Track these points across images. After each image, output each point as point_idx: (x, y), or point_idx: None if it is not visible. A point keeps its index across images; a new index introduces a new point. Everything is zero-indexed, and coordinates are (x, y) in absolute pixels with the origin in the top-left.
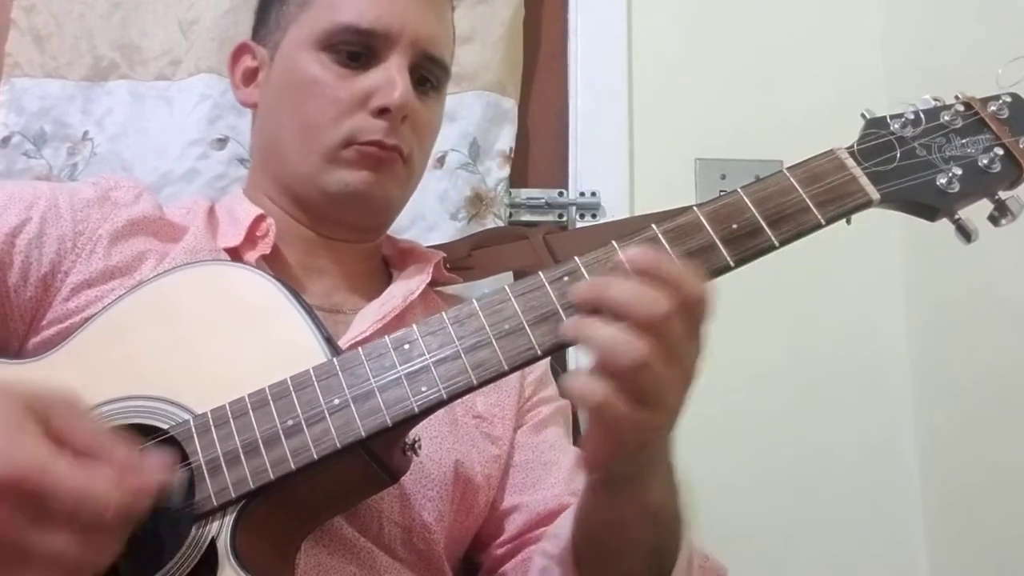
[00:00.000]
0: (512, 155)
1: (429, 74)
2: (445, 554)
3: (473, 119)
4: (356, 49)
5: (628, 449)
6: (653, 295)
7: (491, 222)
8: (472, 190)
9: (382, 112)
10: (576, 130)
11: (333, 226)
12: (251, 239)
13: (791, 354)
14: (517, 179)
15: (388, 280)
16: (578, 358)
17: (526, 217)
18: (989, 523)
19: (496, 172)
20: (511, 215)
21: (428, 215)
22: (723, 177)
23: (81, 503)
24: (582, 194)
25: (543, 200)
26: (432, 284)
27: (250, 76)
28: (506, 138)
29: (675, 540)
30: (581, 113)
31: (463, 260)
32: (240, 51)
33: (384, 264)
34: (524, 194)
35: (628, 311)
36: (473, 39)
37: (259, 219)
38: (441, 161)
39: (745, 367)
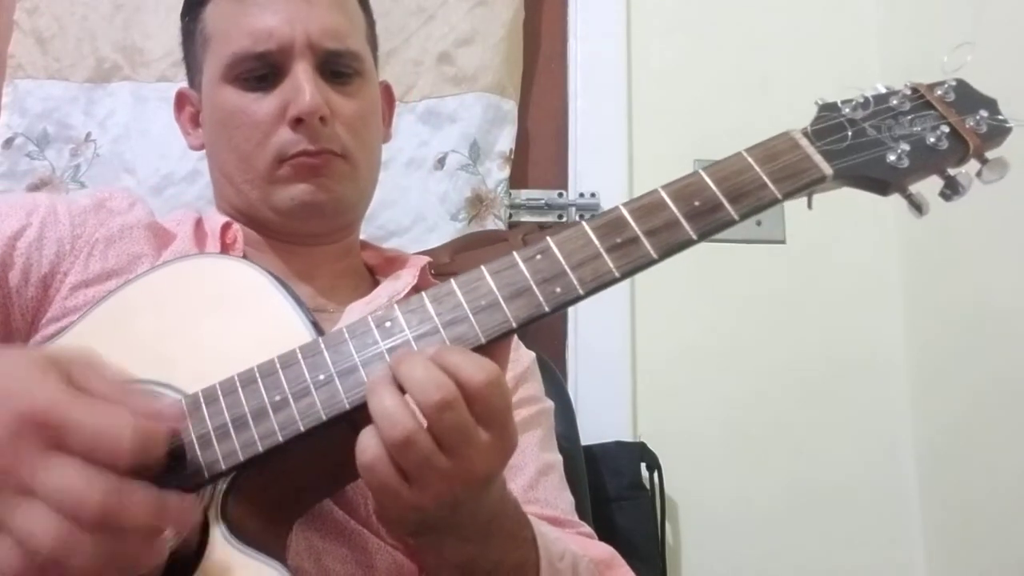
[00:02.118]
0: (512, 156)
1: (341, 67)
2: None
3: (473, 121)
4: (260, 72)
5: (390, 518)
6: (431, 380)
7: (491, 223)
8: (472, 191)
9: (298, 122)
10: (576, 131)
11: (298, 236)
12: (224, 248)
13: (789, 358)
14: (517, 180)
15: (372, 283)
16: (576, 355)
17: (526, 218)
18: (987, 526)
19: (496, 173)
20: (511, 216)
21: (429, 216)
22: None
23: (98, 439)
24: (581, 195)
25: (543, 201)
26: (417, 289)
27: (195, 120)
28: (506, 139)
29: None
30: (581, 114)
31: (446, 266)
32: (181, 100)
33: (370, 272)
34: (524, 195)
35: (411, 393)
36: (473, 41)
37: (226, 227)
38: (441, 162)
39: (744, 371)
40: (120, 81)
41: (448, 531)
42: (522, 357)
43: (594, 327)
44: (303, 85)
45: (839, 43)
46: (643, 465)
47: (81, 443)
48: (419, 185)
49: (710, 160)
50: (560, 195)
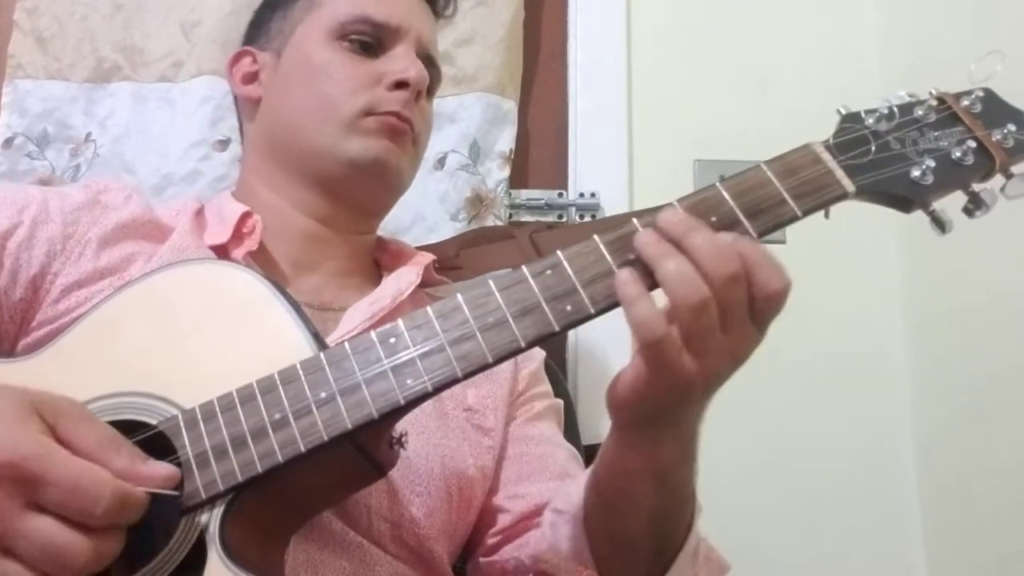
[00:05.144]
0: (512, 156)
1: (430, 76)
2: (446, 550)
3: (473, 121)
4: (368, 40)
5: (656, 396)
6: (724, 253)
7: (491, 223)
8: (472, 191)
9: (399, 86)
10: (576, 131)
11: (341, 206)
12: (238, 236)
13: (789, 356)
14: (517, 180)
15: (378, 280)
16: (576, 355)
17: (526, 218)
18: (987, 520)
19: (496, 173)
20: (511, 216)
21: (428, 216)
22: (722, 178)
23: (72, 497)
24: (581, 195)
25: (543, 201)
26: (422, 286)
27: (250, 78)
28: (506, 139)
29: (681, 513)
30: (581, 115)
31: (451, 260)
32: (239, 55)
33: (375, 266)
34: (524, 195)
35: (700, 262)
36: (473, 41)
37: (245, 216)
38: (441, 162)
39: (743, 369)
40: (120, 81)
41: (671, 427)
42: (535, 353)
43: (594, 327)
44: (413, 58)
45: (839, 43)
46: None
47: (55, 499)
48: (419, 185)
49: (710, 160)
50: (560, 195)
